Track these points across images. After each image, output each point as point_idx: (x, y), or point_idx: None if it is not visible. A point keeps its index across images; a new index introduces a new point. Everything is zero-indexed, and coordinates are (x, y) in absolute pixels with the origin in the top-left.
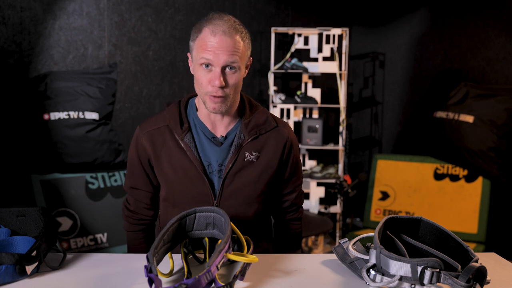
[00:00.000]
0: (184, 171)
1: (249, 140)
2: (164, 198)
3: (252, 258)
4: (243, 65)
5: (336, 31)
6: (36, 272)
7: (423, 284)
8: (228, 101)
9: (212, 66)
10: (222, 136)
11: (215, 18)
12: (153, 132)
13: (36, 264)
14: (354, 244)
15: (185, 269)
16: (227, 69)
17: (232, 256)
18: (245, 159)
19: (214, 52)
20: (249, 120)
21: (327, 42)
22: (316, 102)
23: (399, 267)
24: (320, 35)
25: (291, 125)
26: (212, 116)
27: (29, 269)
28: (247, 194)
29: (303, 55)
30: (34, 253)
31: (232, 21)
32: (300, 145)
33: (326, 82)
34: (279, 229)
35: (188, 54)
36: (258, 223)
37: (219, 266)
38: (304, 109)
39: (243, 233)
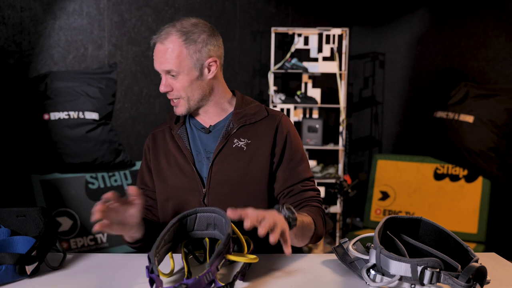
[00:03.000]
0: (175, 160)
1: (237, 128)
2: (158, 194)
3: (252, 258)
4: (187, 69)
5: (336, 31)
6: (36, 272)
7: (423, 284)
8: (184, 103)
9: (160, 73)
10: (211, 126)
11: (166, 26)
12: (157, 133)
13: (36, 264)
14: (354, 244)
15: (185, 269)
16: (169, 75)
17: (232, 257)
18: (234, 145)
19: (155, 61)
20: (240, 111)
21: (327, 42)
22: (316, 102)
23: (399, 267)
24: (320, 35)
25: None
26: (201, 113)
27: (29, 269)
28: (237, 182)
29: (303, 55)
30: (34, 253)
31: (177, 26)
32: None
33: (326, 82)
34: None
35: None
36: None
37: (219, 266)
38: (304, 109)
39: (239, 227)
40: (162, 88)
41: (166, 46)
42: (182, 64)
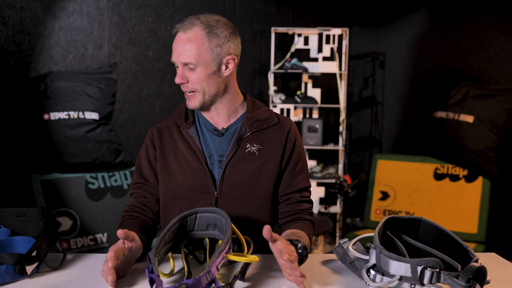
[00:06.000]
0: (187, 162)
1: (249, 132)
2: (164, 192)
3: (252, 258)
4: (206, 62)
5: (336, 31)
6: (36, 272)
7: (423, 284)
8: (198, 97)
9: (176, 64)
10: (224, 128)
11: (190, 17)
12: (163, 129)
13: (36, 264)
14: (354, 244)
15: (185, 269)
16: (187, 67)
17: (233, 257)
18: (246, 150)
19: (173, 51)
20: (252, 115)
21: (327, 42)
22: (316, 102)
23: (399, 267)
24: (320, 35)
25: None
26: (213, 112)
27: (29, 269)
28: (248, 186)
29: (303, 55)
30: (34, 253)
31: (202, 18)
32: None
33: (326, 82)
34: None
35: None
36: (260, 221)
37: (219, 266)
38: (304, 109)
39: (243, 230)
40: (177, 80)
41: (188, 36)
42: (202, 57)
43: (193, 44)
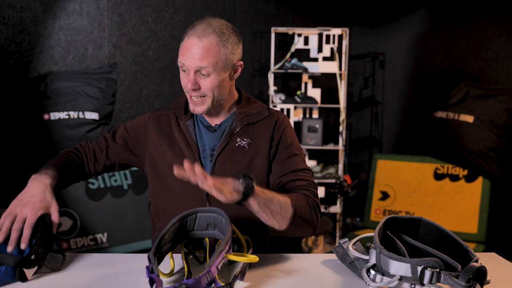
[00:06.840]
0: (181, 153)
1: (240, 127)
2: (158, 178)
3: (252, 258)
4: (219, 69)
5: (336, 31)
6: (36, 273)
7: (423, 284)
8: (207, 102)
9: (187, 69)
10: (217, 125)
11: (199, 23)
12: (161, 116)
13: (35, 268)
14: (354, 244)
15: (185, 269)
16: (199, 73)
17: (232, 257)
18: (237, 144)
19: (186, 56)
20: (243, 110)
21: (327, 42)
22: (316, 102)
23: (399, 267)
24: (320, 35)
25: (291, 125)
26: (211, 111)
27: (28, 273)
28: None
29: (303, 55)
30: (32, 257)
31: (214, 25)
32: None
33: (326, 82)
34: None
35: None
36: (253, 218)
37: (219, 266)
38: (304, 109)
39: (236, 227)
40: (189, 86)
41: (204, 43)
42: (218, 64)
43: (209, 52)
